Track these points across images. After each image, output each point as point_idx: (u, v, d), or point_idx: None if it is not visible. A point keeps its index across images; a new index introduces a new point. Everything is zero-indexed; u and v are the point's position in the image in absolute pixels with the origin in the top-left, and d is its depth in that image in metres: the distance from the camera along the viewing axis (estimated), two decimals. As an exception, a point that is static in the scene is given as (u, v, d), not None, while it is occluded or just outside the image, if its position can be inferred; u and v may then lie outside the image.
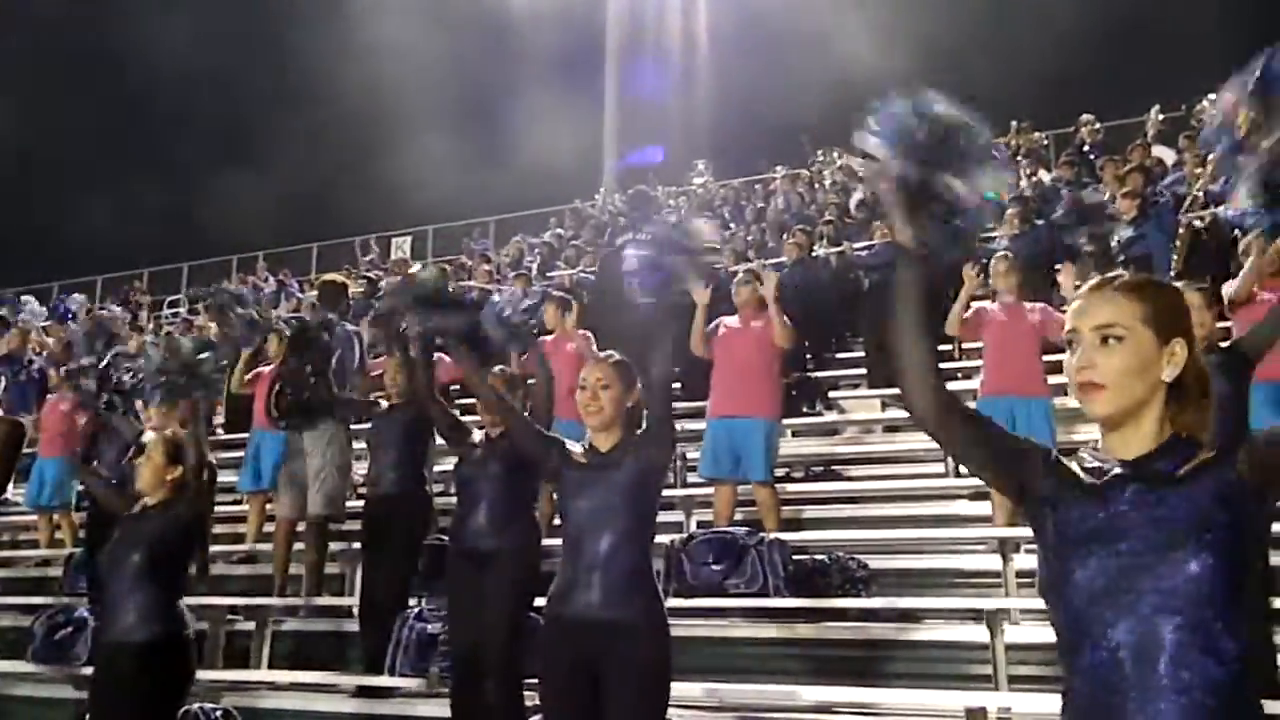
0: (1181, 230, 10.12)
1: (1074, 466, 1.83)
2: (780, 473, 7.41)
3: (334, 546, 7.03)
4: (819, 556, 5.82)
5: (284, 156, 27.85)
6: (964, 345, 10.69)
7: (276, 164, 27.52)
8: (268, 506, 7.84)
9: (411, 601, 5.89)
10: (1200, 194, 10.53)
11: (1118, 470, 1.76)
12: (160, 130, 29.50)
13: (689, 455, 7.42)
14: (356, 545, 6.79)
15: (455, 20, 26.84)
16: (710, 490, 6.84)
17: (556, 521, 6.77)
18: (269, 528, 7.66)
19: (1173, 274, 10.00)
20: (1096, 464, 1.80)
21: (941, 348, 10.83)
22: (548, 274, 13.31)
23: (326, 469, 6.78)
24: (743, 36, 28.05)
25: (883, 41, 24.12)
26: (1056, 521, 1.76)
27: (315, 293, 8.02)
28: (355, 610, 6.31)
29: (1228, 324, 6.64)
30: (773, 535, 5.96)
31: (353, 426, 7.15)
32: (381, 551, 5.98)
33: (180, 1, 28.95)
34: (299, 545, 6.98)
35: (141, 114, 29.37)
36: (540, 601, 3.82)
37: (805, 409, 9.39)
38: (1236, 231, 8.30)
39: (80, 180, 27.96)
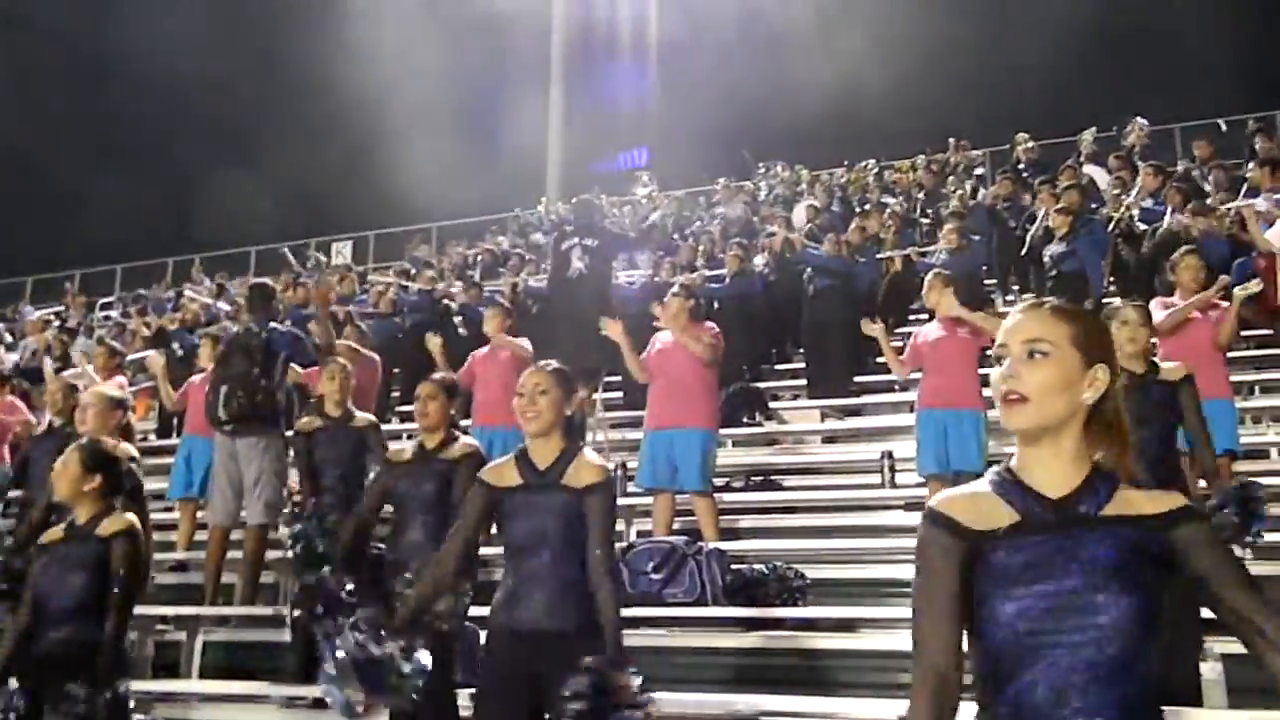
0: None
1: (990, 505, 1.83)
2: (720, 482, 7.45)
3: (269, 555, 6.91)
4: (757, 566, 5.86)
5: (225, 160, 27.41)
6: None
7: (218, 167, 27.07)
8: (199, 514, 7.70)
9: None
10: (1130, 213, 10.79)
11: (1039, 509, 1.79)
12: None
13: (629, 465, 7.43)
14: (292, 554, 6.68)
15: (396, 27, 26.64)
16: (650, 500, 6.85)
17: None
18: (200, 535, 7.52)
19: (1105, 290, 10.26)
20: (1017, 497, 1.81)
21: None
22: (489, 282, 13.28)
23: (265, 476, 6.68)
24: (693, 44, 28.22)
25: (830, 51, 24.40)
26: (980, 563, 1.77)
27: (244, 298, 7.88)
28: (289, 620, 6.21)
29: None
30: (711, 545, 5.99)
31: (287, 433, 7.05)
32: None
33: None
34: (231, 553, 6.86)
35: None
36: (476, 611, 3.81)
37: (745, 419, 9.45)
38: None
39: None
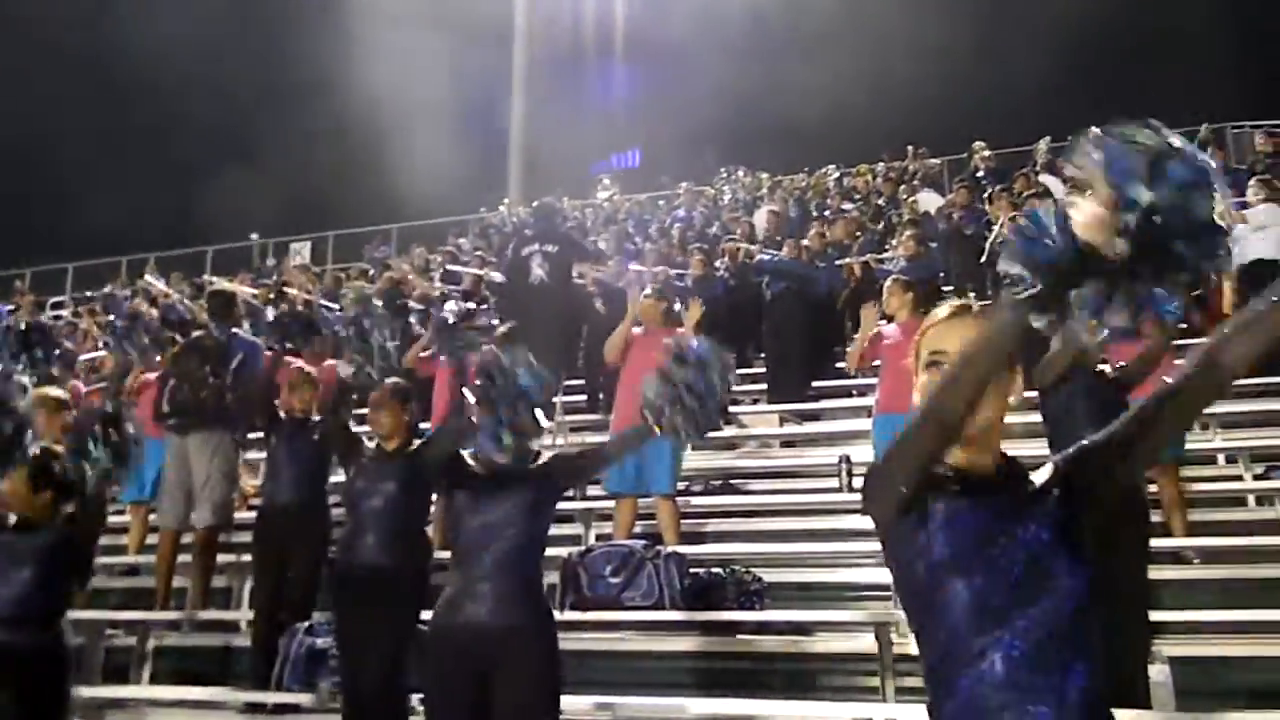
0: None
1: (942, 486, 1.88)
2: (680, 486, 7.46)
3: (221, 559, 6.84)
4: (715, 570, 5.88)
5: (181, 157, 27.12)
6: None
7: (174, 164, 26.78)
8: (150, 517, 7.60)
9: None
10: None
11: (979, 490, 1.83)
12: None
13: (589, 468, 7.41)
14: (245, 558, 6.62)
15: (358, 28, 26.46)
16: (609, 503, 6.85)
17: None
18: (151, 539, 7.42)
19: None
20: (958, 485, 1.85)
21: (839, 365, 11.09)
22: (450, 283, 13.18)
23: (214, 478, 6.61)
24: (658, 46, 28.30)
25: (798, 53, 24.57)
26: (931, 541, 1.80)
27: (205, 305, 7.79)
28: (244, 624, 6.15)
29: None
30: (670, 549, 6.00)
31: (241, 436, 6.99)
32: (280, 566, 5.84)
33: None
34: (183, 557, 6.77)
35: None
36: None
37: (705, 423, 9.46)
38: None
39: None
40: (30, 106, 28.19)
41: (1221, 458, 7.71)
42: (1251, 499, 7.00)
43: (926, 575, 1.80)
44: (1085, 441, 1.86)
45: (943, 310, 1.96)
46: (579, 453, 3.73)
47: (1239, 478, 7.29)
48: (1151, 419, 1.77)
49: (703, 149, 19.49)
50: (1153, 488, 6.08)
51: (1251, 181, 9.34)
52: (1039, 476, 1.87)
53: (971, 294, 12.21)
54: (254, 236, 19.11)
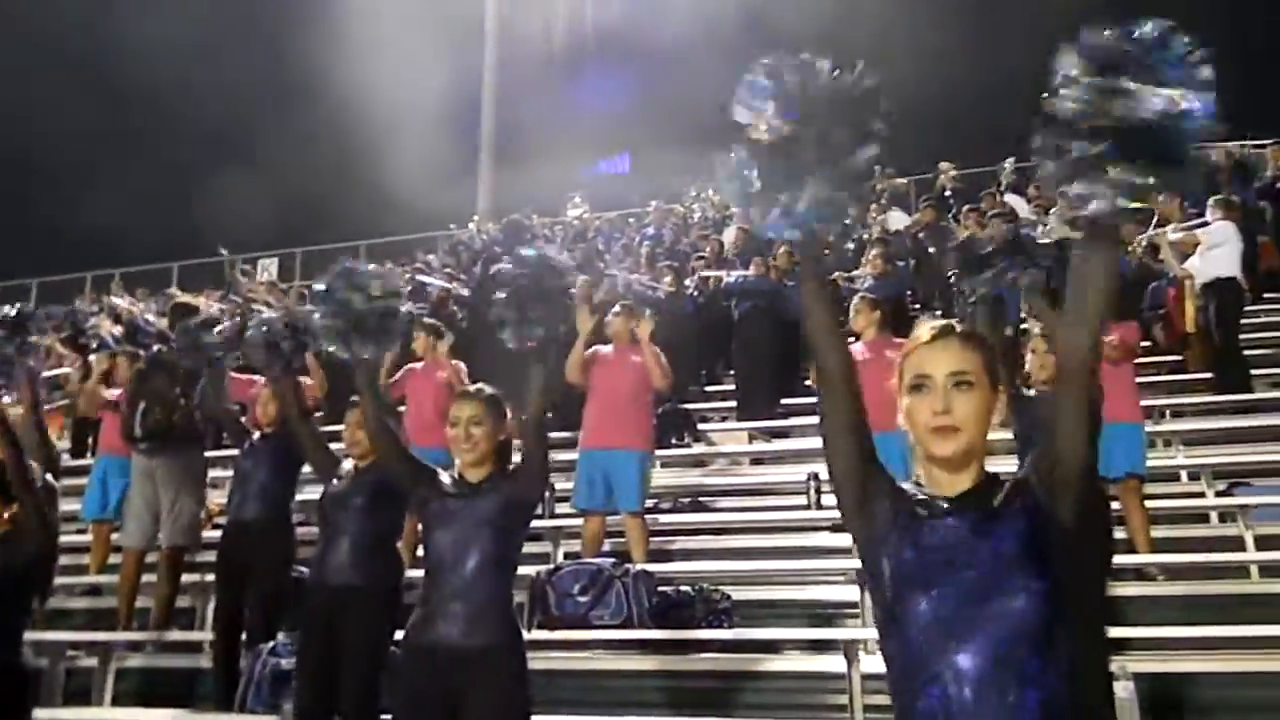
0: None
1: (909, 497, 1.92)
2: (649, 504, 7.46)
3: (184, 578, 6.76)
4: (683, 588, 5.88)
5: (149, 172, 26.86)
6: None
7: (140, 179, 26.50)
8: (113, 536, 7.50)
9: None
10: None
11: (946, 505, 1.87)
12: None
13: (558, 486, 7.41)
14: (209, 577, 6.54)
15: (323, 44, 26.38)
16: (578, 521, 6.84)
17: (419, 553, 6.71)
18: (114, 558, 7.32)
19: (1025, 314, 10.50)
20: (925, 498, 1.90)
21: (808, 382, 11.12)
22: (422, 283, 13.14)
23: (181, 498, 6.54)
24: (625, 62, 28.39)
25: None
26: (895, 554, 1.83)
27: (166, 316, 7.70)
28: (208, 645, 6.07)
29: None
30: (638, 567, 6.00)
31: (207, 454, 6.92)
32: (242, 584, 5.77)
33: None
34: (147, 577, 6.69)
35: None
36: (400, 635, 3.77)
37: (674, 440, 9.48)
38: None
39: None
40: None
41: (1184, 475, 7.79)
42: (1214, 515, 7.09)
43: (890, 590, 1.82)
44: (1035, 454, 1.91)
45: (924, 333, 1.97)
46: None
47: (1201, 494, 7.38)
48: (1050, 419, 1.84)
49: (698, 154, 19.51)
50: (1117, 505, 6.15)
51: (1210, 201, 9.48)
52: (1004, 492, 1.89)
53: (938, 312, 12.36)
54: (224, 252, 18.87)
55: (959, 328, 1.97)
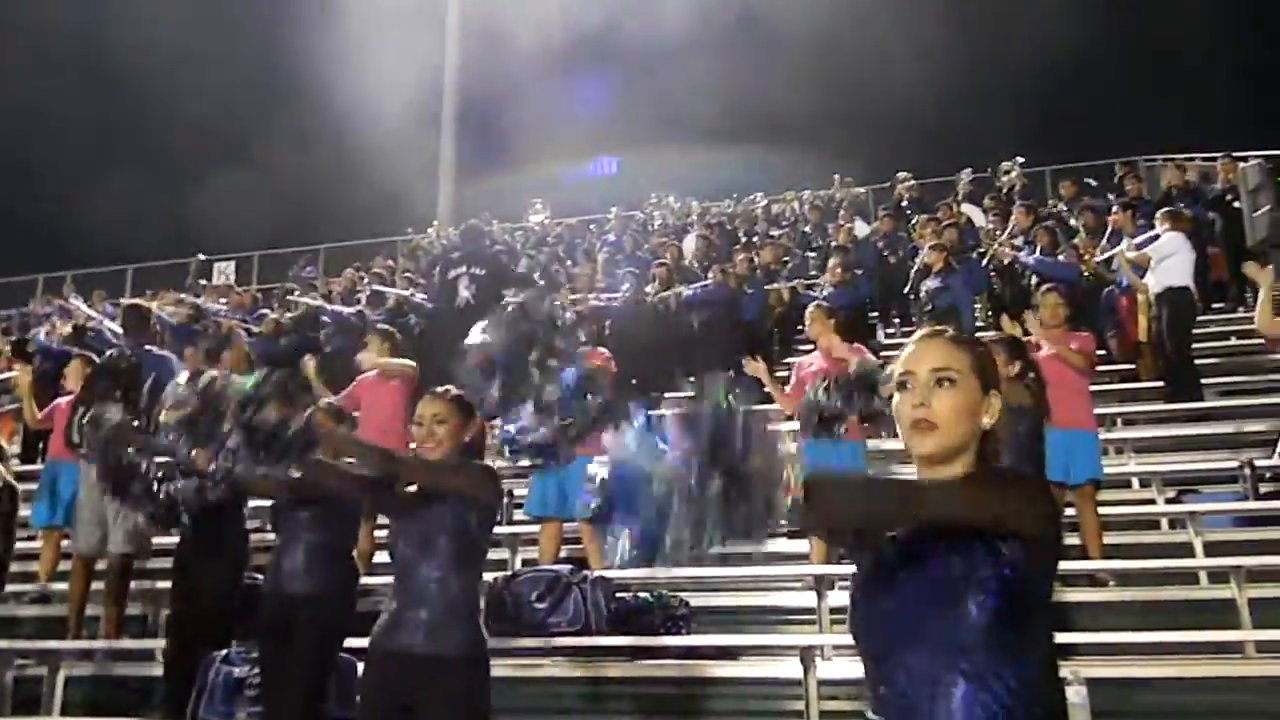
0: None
1: None
2: (606, 510, 7.44)
3: (135, 585, 6.65)
4: (641, 594, 5.88)
5: (104, 174, 26.50)
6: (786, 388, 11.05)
7: (100, 181, 26.14)
8: (63, 543, 7.37)
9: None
10: (1003, 252, 11.23)
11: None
12: None
13: (516, 492, 7.38)
14: (160, 584, 6.44)
15: (287, 47, 26.17)
16: (535, 527, 6.82)
17: (377, 558, 6.65)
18: (64, 565, 7.19)
19: (979, 325, 10.64)
20: None
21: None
22: (378, 292, 13.06)
23: (129, 504, 6.42)
24: (590, 67, 28.43)
25: (712, 80, 24.87)
26: (865, 562, 1.86)
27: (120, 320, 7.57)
28: (159, 654, 5.98)
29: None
30: (596, 573, 5.99)
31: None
32: (196, 591, 5.67)
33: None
34: (97, 585, 6.57)
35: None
36: (353, 642, 3.74)
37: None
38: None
39: None
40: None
41: (1136, 481, 7.90)
42: (1164, 522, 7.19)
43: (854, 600, 1.86)
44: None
45: (915, 335, 1.99)
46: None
47: (1152, 501, 7.49)
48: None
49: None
50: (1070, 511, 6.23)
51: (1158, 214, 9.65)
52: None
53: (896, 320, 12.49)
54: (201, 256, 18.77)
55: (951, 331, 1.99)
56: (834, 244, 12.70)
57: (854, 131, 23.76)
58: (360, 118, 25.97)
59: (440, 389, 3.66)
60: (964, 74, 24.64)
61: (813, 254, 14.00)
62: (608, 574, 6.08)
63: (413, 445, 3.55)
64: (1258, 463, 7.17)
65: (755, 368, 7.17)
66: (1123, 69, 25.08)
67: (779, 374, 11.46)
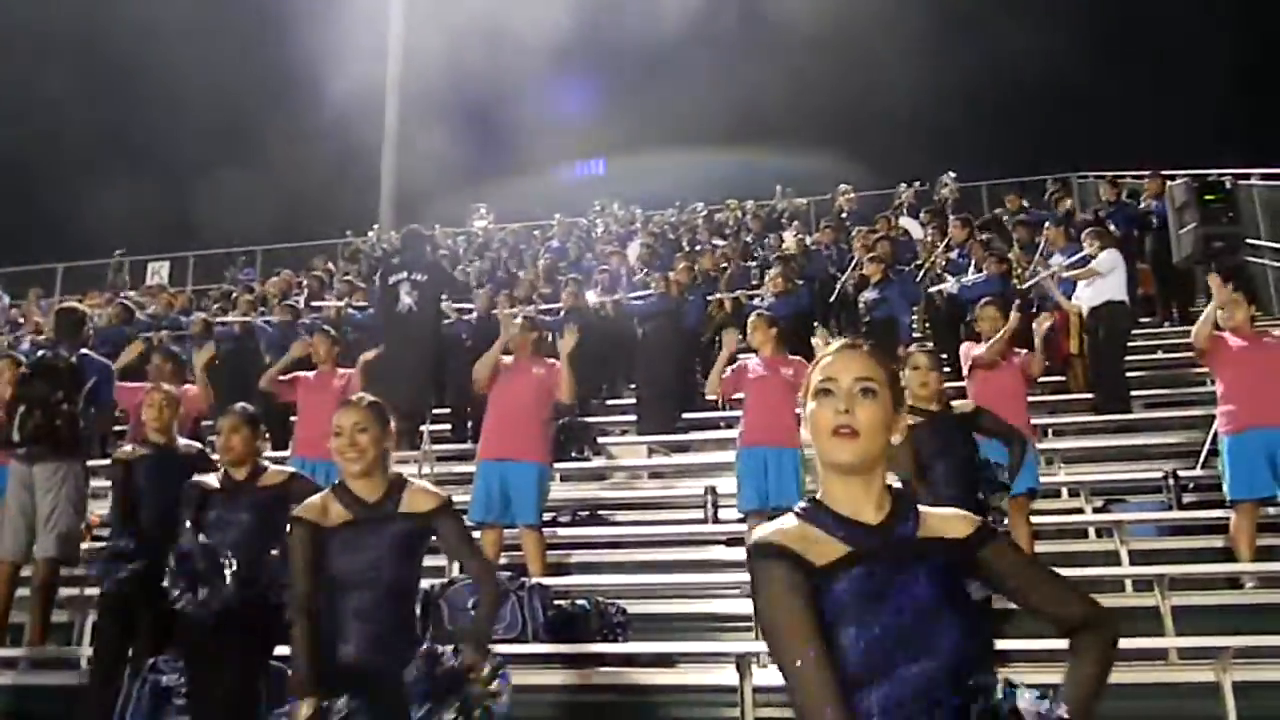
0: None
1: (818, 536, 1.86)
2: (547, 517, 7.44)
3: (63, 592, 6.50)
4: (579, 601, 5.87)
5: (38, 172, 25.88)
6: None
7: (27, 180, 25.52)
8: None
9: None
10: (939, 264, 11.43)
11: (865, 537, 1.85)
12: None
13: (456, 499, 7.32)
14: (88, 591, 6.30)
15: (226, 47, 25.82)
16: (474, 533, 6.77)
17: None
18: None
19: (915, 336, 10.81)
20: (839, 527, 1.87)
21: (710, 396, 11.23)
22: (315, 307, 12.92)
23: (60, 507, 6.26)
24: (535, 71, 28.40)
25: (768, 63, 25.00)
26: (824, 594, 1.79)
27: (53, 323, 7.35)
28: (85, 662, 5.85)
29: (960, 384, 7.22)
30: (534, 580, 5.98)
31: (90, 463, 6.64)
32: (130, 601, 5.52)
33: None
34: (21, 590, 6.41)
35: None
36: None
37: (574, 453, 9.48)
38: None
39: None
40: None
41: (1065, 491, 8.07)
42: (1092, 531, 7.35)
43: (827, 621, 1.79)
44: (1001, 541, 1.95)
45: (835, 345, 1.99)
46: (466, 548, 3.63)
47: (1080, 510, 7.65)
48: (1024, 606, 1.94)
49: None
50: (1006, 521, 6.34)
51: (1084, 234, 9.89)
52: (938, 525, 1.91)
53: (836, 331, 12.61)
54: (117, 253, 18.34)
55: (868, 344, 2.00)
56: (775, 255, 12.81)
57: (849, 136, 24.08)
58: (302, 116, 25.71)
59: (356, 396, 3.63)
60: (907, 86, 25.08)
61: (754, 262, 14.11)
62: (545, 581, 6.08)
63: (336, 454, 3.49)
64: (1181, 473, 7.37)
65: (730, 338, 7.33)
66: (1061, 80, 25.66)
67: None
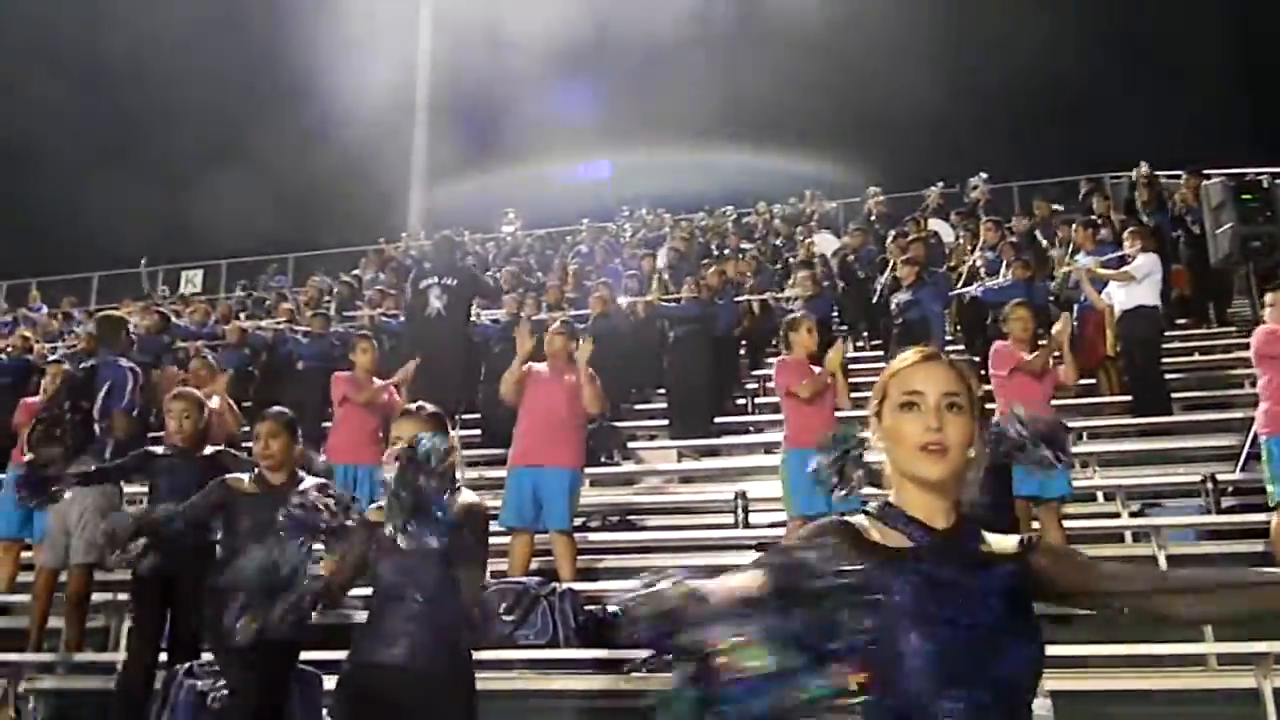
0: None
1: (876, 537, 1.83)
2: (578, 522, 7.44)
3: (97, 597, 6.56)
4: (610, 606, 5.85)
5: (66, 181, 26.20)
6: (756, 400, 11.09)
7: (60, 188, 25.86)
8: (25, 553, 7.26)
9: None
10: (976, 265, 11.34)
11: (930, 539, 1.82)
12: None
13: (487, 503, 7.33)
14: (122, 596, 6.35)
15: (265, 52, 26.02)
16: (505, 538, 6.78)
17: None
18: (23, 577, 7.09)
19: (948, 339, 10.74)
20: (907, 526, 1.84)
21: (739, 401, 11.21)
22: (346, 315, 13.00)
23: (89, 513, 6.32)
24: (563, 75, 28.48)
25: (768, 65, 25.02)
26: (882, 602, 1.72)
27: (92, 328, 7.45)
28: (120, 666, 5.88)
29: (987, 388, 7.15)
30: (565, 585, 5.97)
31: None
32: (165, 601, 5.56)
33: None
34: (59, 595, 6.48)
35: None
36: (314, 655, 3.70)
37: (604, 458, 9.47)
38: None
39: None
40: None
41: (1100, 495, 7.97)
42: (1128, 535, 7.26)
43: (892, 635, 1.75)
44: (1058, 551, 1.92)
45: (912, 354, 1.93)
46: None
47: (1116, 515, 7.55)
48: (1090, 597, 1.87)
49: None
50: (1036, 524, 6.27)
51: (1126, 233, 9.76)
52: (999, 543, 1.87)
53: (865, 334, 12.57)
54: (144, 262, 18.45)
55: (948, 355, 1.96)
56: (799, 259, 12.76)
57: (860, 139, 23.95)
58: (333, 124, 25.88)
59: (414, 406, 3.65)
60: (935, 88, 24.90)
61: (778, 267, 14.06)
62: (576, 586, 6.07)
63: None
64: (1220, 476, 7.26)
65: (836, 354, 6.81)
66: (1101, 83, 25.43)
67: (748, 385, 11.56)
